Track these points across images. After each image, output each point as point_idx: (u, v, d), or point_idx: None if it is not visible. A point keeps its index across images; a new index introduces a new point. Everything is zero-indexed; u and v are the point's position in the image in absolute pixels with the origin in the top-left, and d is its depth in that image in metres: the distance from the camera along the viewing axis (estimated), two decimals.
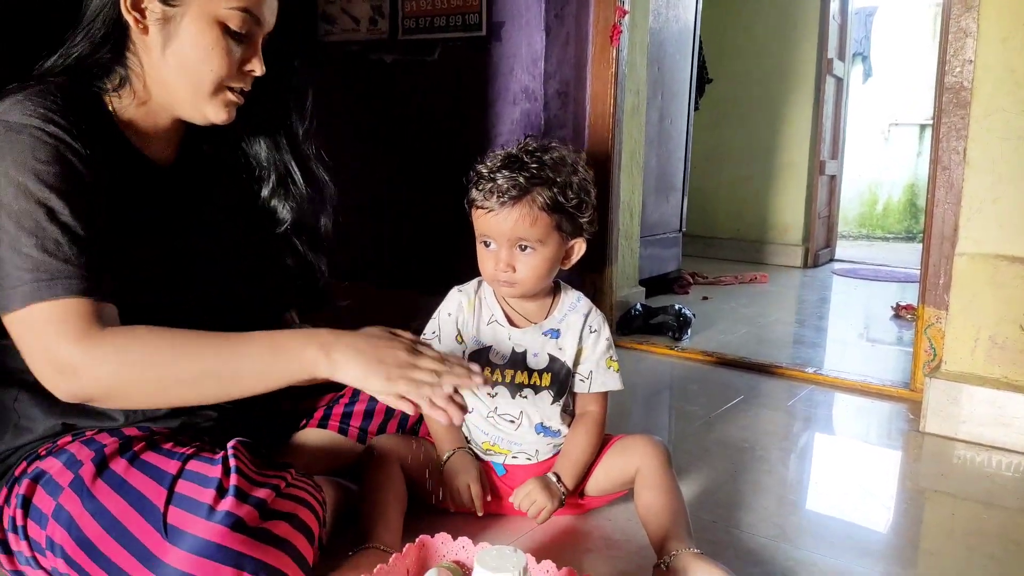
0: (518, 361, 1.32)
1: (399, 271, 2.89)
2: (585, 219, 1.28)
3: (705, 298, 3.72)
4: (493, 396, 1.32)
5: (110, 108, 1.05)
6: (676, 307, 2.96)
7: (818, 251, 4.98)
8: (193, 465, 0.93)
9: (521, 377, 1.31)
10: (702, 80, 4.20)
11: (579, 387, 1.38)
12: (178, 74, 1.02)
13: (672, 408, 2.22)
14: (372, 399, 1.34)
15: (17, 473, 0.99)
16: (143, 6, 1.01)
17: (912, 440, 1.94)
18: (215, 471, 0.90)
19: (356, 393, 1.38)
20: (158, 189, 1.09)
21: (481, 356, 1.34)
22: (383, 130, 2.86)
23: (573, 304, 1.39)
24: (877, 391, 2.29)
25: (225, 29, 1.01)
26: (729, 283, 4.17)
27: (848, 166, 5.69)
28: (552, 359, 1.35)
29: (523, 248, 1.25)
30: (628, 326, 2.91)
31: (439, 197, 2.79)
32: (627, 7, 2.68)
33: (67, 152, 0.92)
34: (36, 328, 0.88)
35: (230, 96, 1.06)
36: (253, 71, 1.06)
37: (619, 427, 1.98)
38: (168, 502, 0.88)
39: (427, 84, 2.74)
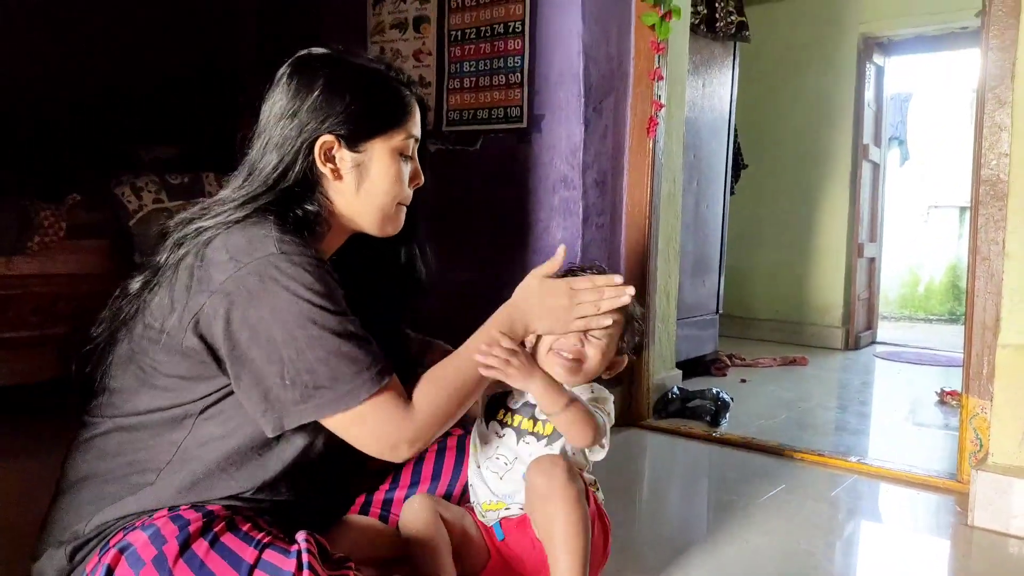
0: (529, 409, 1.35)
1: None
2: (636, 340, 1.38)
3: (743, 381, 3.69)
4: (501, 437, 1.35)
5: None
6: (714, 391, 2.95)
7: (859, 333, 4.93)
8: (268, 555, 0.98)
9: (527, 424, 1.34)
10: (737, 165, 4.27)
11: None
12: (369, 205, 1.17)
13: (711, 497, 2.20)
14: (411, 485, 1.37)
15: (112, 543, 1.03)
16: (335, 157, 1.14)
17: (961, 534, 1.89)
18: (290, 564, 0.95)
19: (396, 480, 1.41)
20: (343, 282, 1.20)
21: (500, 398, 1.38)
22: (426, 215, 2.95)
23: (589, 387, 1.42)
24: (923, 482, 2.24)
25: (401, 156, 1.18)
26: (767, 365, 4.14)
27: (888, 248, 5.67)
28: None
29: (589, 339, 1.31)
30: (664, 410, 2.91)
31: (479, 279, 2.85)
32: (663, 100, 2.77)
33: (325, 272, 1.06)
34: (366, 420, 1.05)
35: (402, 212, 1.23)
36: (419, 183, 1.23)
37: (657, 514, 1.97)
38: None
39: (469, 173, 2.84)
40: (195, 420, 1.08)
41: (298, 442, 1.12)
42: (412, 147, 1.20)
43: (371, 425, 1.05)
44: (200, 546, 0.99)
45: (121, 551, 1.00)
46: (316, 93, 1.13)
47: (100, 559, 1.01)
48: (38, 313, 2.34)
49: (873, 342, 5.15)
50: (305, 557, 0.95)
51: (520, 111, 2.70)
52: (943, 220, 7.29)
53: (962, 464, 2.16)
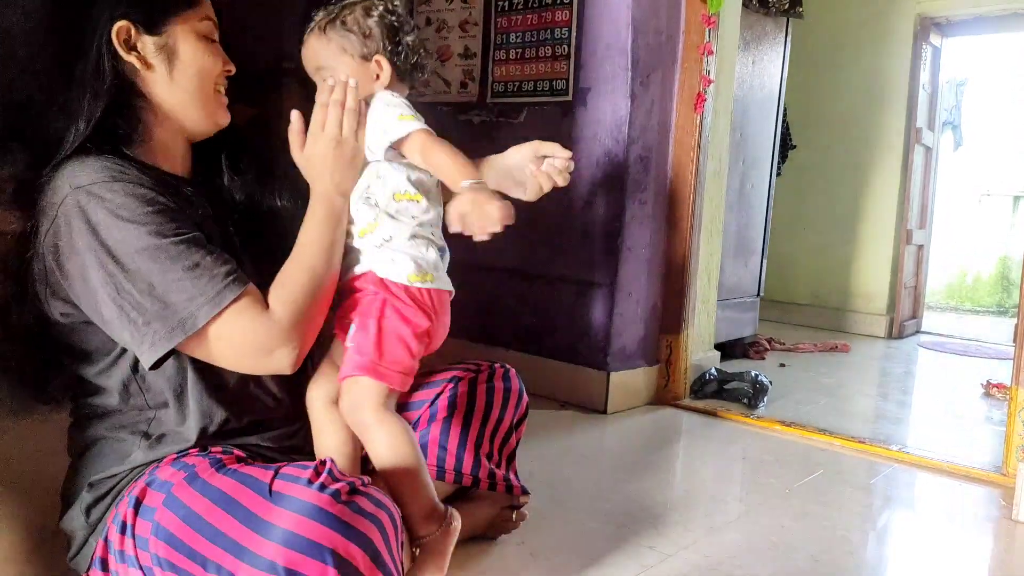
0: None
1: (477, 326, 2.94)
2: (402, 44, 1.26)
3: (782, 365, 3.64)
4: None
5: (132, 153, 1.12)
6: (752, 373, 2.91)
7: (903, 322, 4.83)
8: (295, 460, 1.04)
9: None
10: (785, 146, 4.19)
11: None
12: (190, 89, 1.15)
13: (746, 479, 2.18)
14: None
15: (128, 490, 1.06)
16: (137, 47, 1.11)
17: (1004, 528, 1.85)
18: (311, 463, 0.98)
19: None
20: (198, 197, 1.18)
21: None
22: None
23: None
24: (965, 473, 2.19)
25: (206, 38, 1.17)
26: (808, 350, 4.07)
27: (937, 236, 5.53)
28: None
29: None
30: (701, 390, 2.88)
31: (516, 253, 2.85)
32: (712, 76, 2.72)
33: (139, 187, 1.03)
34: (235, 330, 1.03)
35: (222, 98, 1.21)
36: (230, 70, 1.21)
37: (690, 493, 1.96)
38: (274, 477, 0.96)
39: (512, 145, 2.81)
40: (136, 384, 1.11)
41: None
42: (212, 31, 1.17)
43: (235, 337, 1.03)
44: (234, 465, 1.03)
45: (148, 484, 1.03)
46: None
47: (118, 508, 1.05)
48: None
49: (918, 331, 5.04)
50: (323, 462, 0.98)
51: (566, 84, 2.66)
52: (995, 209, 7.08)
53: (1008, 457, 2.11)
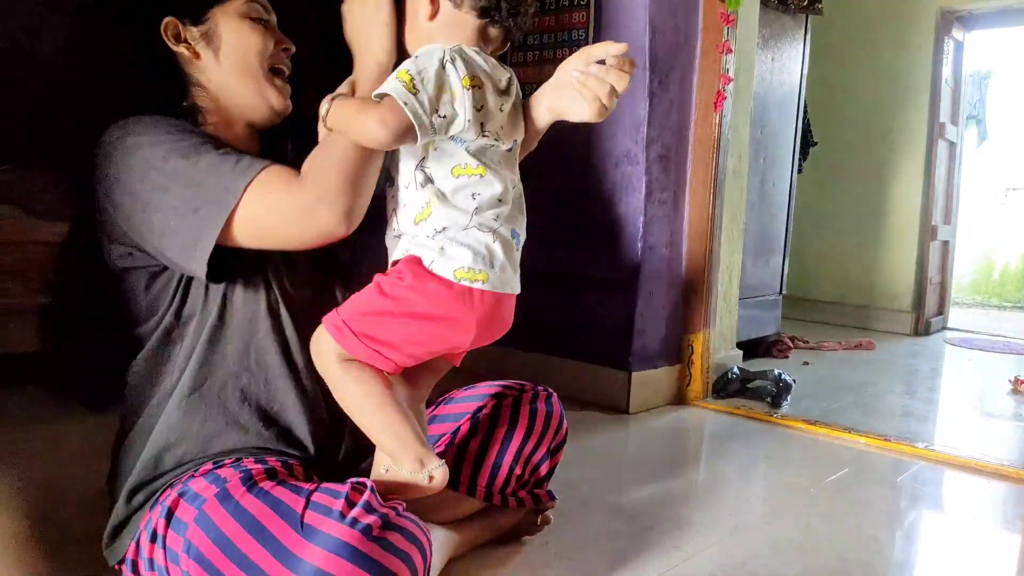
0: None
1: None
2: None
3: (806, 363, 3.61)
4: None
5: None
6: (776, 372, 2.90)
7: (929, 318, 4.78)
8: (327, 485, 1.02)
9: None
10: (806, 143, 4.16)
11: None
12: (236, 70, 1.17)
13: (771, 478, 2.16)
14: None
15: (162, 498, 1.07)
16: (184, 37, 1.16)
17: None
18: (344, 488, 0.98)
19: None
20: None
21: None
22: None
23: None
24: (994, 471, 2.17)
25: (251, 19, 1.17)
26: (832, 349, 4.04)
27: (962, 231, 5.46)
28: None
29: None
30: (724, 389, 2.87)
31: (538, 254, 2.85)
32: (731, 74, 2.71)
33: (175, 126, 1.08)
34: (272, 194, 1.02)
35: (279, 82, 1.21)
36: (287, 47, 1.21)
37: (714, 492, 1.95)
38: (305, 507, 0.96)
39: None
40: (179, 330, 1.13)
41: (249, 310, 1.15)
42: (259, 11, 1.19)
43: (273, 201, 1.02)
44: (265, 483, 1.02)
45: (180, 495, 1.04)
46: None
47: (151, 512, 1.06)
48: None
49: (944, 328, 4.98)
50: (356, 488, 0.98)
51: None
52: (1021, 203, 6.98)
53: None
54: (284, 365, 1.17)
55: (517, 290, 1.12)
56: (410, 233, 1.06)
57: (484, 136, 1.05)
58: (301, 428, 1.18)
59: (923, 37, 4.62)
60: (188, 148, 1.04)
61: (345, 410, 1.11)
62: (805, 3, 3.59)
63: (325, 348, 1.07)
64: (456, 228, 1.04)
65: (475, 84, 1.02)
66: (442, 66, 1.01)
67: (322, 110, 1.06)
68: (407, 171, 1.07)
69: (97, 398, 1.27)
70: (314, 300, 1.19)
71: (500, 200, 1.07)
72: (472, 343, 1.10)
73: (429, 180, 1.05)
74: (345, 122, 1.02)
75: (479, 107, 1.03)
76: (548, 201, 2.82)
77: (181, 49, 1.16)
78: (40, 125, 2.71)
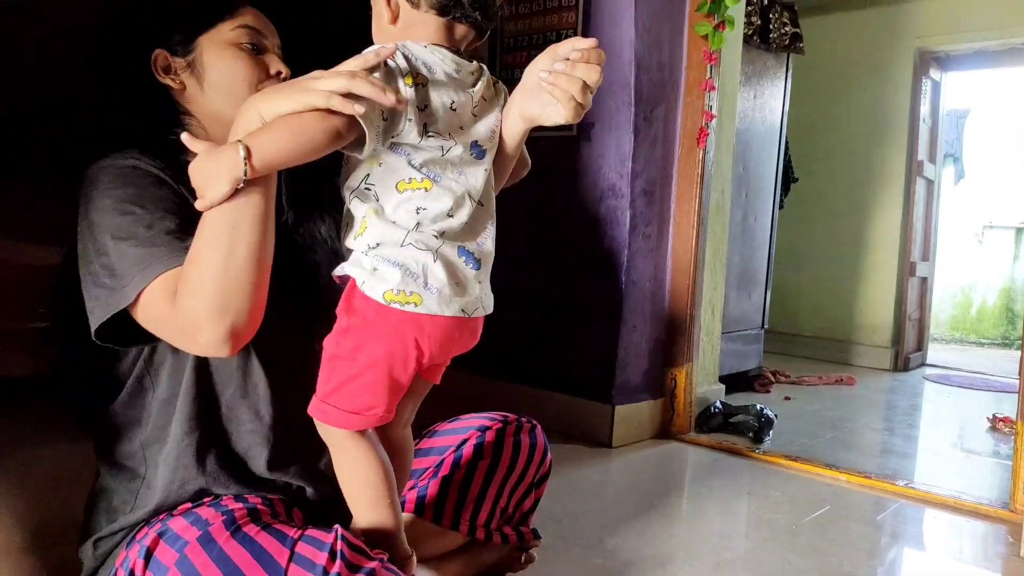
0: None
1: (481, 359, 2.94)
2: None
3: (787, 398, 3.63)
4: None
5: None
6: (757, 407, 2.90)
7: (908, 354, 4.82)
8: (311, 532, 0.99)
9: None
10: (788, 178, 4.22)
11: None
12: (223, 98, 1.14)
13: (752, 515, 2.16)
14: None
15: (138, 536, 1.05)
16: (172, 68, 1.15)
17: (1012, 566, 1.83)
18: (328, 539, 0.96)
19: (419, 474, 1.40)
20: None
21: None
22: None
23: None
24: (972, 509, 2.18)
25: (238, 47, 1.15)
26: (813, 383, 4.06)
27: (940, 268, 5.54)
28: None
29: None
30: (706, 424, 2.87)
31: (522, 285, 2.86)
32: (714, 111, 2.75)
33: (142, 176, 1.05)
34: (152, 315, 0.97)
35: None
36: (280, 72, 1.17)
37: (696, 529, 1.94)
38: (289, 560, 0.94)
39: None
40: (150, 378, 1.10)
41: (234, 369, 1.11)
42: (251, 37, 1.15)
43: (152, 317, 0.97)
44: (249, 528, 1.00)
45: (159, 535, 1.01)
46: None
47: (128, 551, 1.03)
48: None
49: (923, 364, 5.02)
50: (340, 541, 0.95)
51: None
52: (998, 240, 7.09)
53: (1016, 493, 2.09)
54: (255, 416, 1.13)
55: (473, 313, 1.02)
56: (354, 248, 1.00)
57: (428, 136, 0.97)
58: (277, 475, 1.16)
59: (901, 77, 4.72)
60: (123, 224, 1.00)
61: (340, 483, 1.07)
62: (787, 42, 3.66)
63: (330, 432, 1.04)
64: (391, 245, 0.96)
65: (418, 82, 0.96)
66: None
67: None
68: (351, 187, 1.01)
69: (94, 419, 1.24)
70: (292, 349, 1.16)
71: (449, 215, 0.99)
72: (431, 359, 1.03)
73: (372, 196, 0.98)
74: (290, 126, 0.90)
75: (422, 106, 0.97)
76: (532, 233, 2.83)
77: (168, 82, 1.15)
78: (22, 143, 2.70)
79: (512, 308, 2.96)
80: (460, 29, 1.03)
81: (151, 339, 1.03)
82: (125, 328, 1.01)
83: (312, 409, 1.02)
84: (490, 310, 1.06)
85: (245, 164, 0.87)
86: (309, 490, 1.17)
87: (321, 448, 1.12)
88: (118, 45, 1.16)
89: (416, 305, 0.96)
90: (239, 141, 0.88)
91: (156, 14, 1.16)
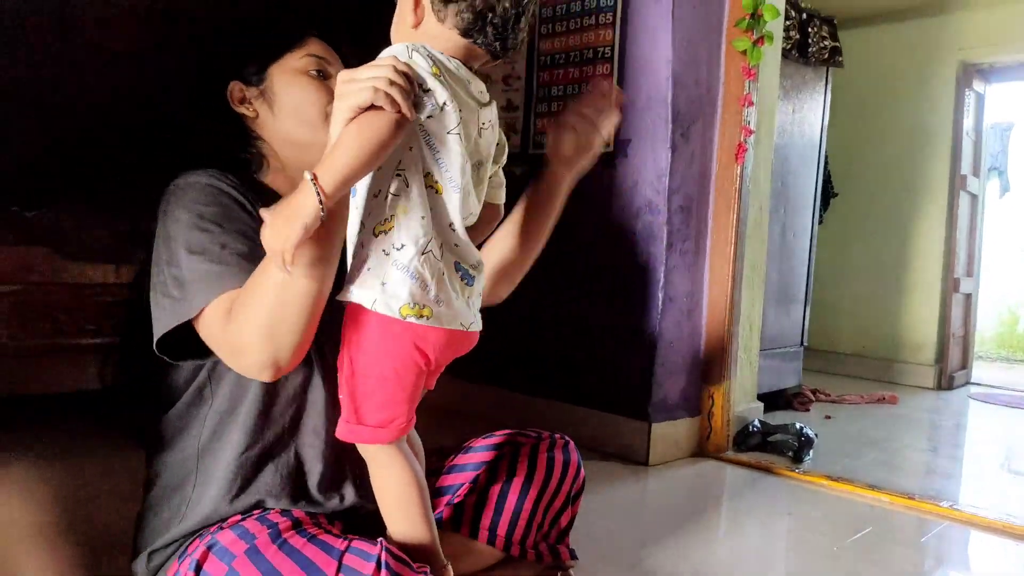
0: None
1: (517, 375, 2.95)
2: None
3: (828, 417, 3.57)
4: None
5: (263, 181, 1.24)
6: (797, 426, 2.86)
7: (953, 372, 4.71)
8: (357, 543, 1.00)
9: None
10: (827, 194, 4.17)
11: None
12: (293, 121, 1.21)
13: (793, 536, 2.13)
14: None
15: (190, 549, 1.07)
16: (246, 98, 1.22)
17: None
18: (375, 550, 0.97)
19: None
20: None
21: None
22: None
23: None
24: (1021, 533, 2.12)
25: (306, 74, 1.22)
26: (854, 402, 3.99)
27: (985, 284, 5.42)
28: None
29: None
30: (744, 443, 2.83)
31: (559, 302, 2.86)
32: (753, 126, 2.73)
33: (224, 196, 1.10)
34: (208, 331, 1.01)
35: None
36: None
37: (735, 550, 1.92)
38: (337, 571, 0.95)
39: None
40: (211, 387, 1.13)
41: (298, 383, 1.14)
42: (318, 64, 1.22)
43: (207, 333, 1.02)
44: (295, 539, 1.01)
45: (208, 548, 1.04)
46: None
47: (180, 564, 1.05)
48: None
49: (968, 382, 4.91)
50: (386, 552, 0.96)
51: None
52: None
53: None
54: (313, 432, 1.16)
55: (469, 327, 1.03)
56: (369, 248, 0.96)
57: (453, 132, 0.97)
58: (331, 491, 1.18)
59: (944, 89, 4.65)
60: (199, 240, 1.04)
61: (376, 496, 1.08)
62: (826, 56, 3.63)
63: (367, 448, 1.05)
64: (412, 249, 0.95)
65: (441, 80, 0.97)
66: (409, 56, 0.95)
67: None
68: (380, 176, 0.97)
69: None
70: None
71: (452, 226, 0.99)
72: (435, 366, 1.03)
73: (404, 187, 0.95)
74: (354, 137, 0.89)
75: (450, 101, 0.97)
76: (569, 250, 2.83)
77: (243, 110, 1.22)
78: (82, 168, 2.79)
79: (549, 325, 2.97)
80: (477, 51, 1.04)
81: (206, 355, 1.07)
82: (187, 341, 1.04)
83: (340, 432, 1.04)
84: (480, 327, 1.06)
85: (317, 192, 0.85)
86: (358, 504, 1.20)
87: (364, 473, 1.14)
88: (198, 78, 1.23)
89: (427, 318, 0.95)
90: (306, 176, 0.86)
91: (232, 48, 1.25)
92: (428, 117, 0.95)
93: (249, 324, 0.95)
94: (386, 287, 0.94)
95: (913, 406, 4.07)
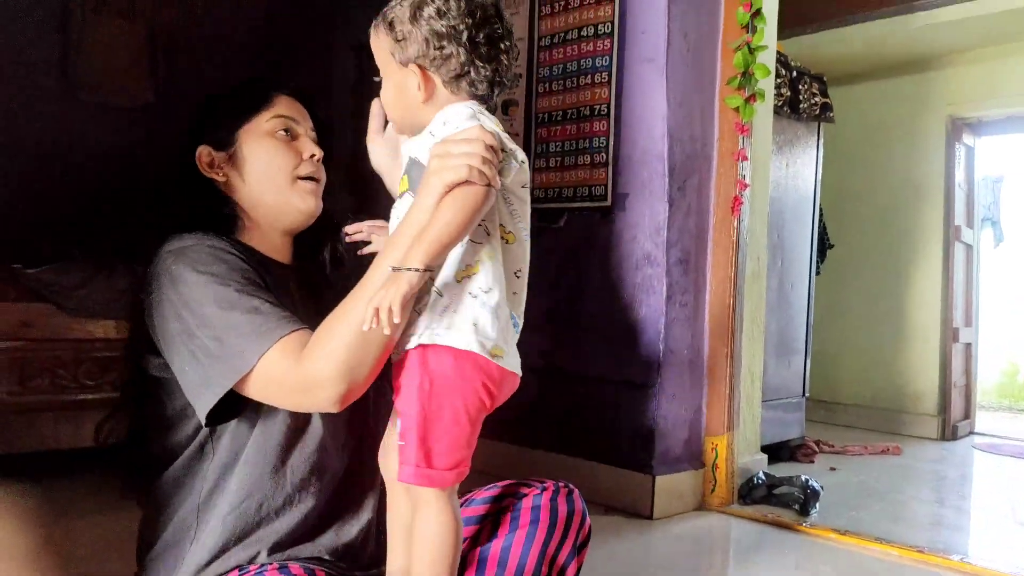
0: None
1: (520, 428, 2.93)
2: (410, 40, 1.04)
3: (833, 468, 3.54)
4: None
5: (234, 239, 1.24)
6: (803, 478, 2.83)
7: (956, 423, 4.68)
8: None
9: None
10: (823, 245, 4.21)
11: None
12: (262, 186, 1.22)
13: None
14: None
15: None
16: (215, 163, 1.23)
17: None
18: None
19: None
20: (287, 280, 1.24)
21: None
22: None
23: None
24: None
25: (273, 136, 1.23)
26: (858, 453, 3.96)
27: (984, 333, 5.42)
28: None
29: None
30: (749, 495, 2.80)
31: (560, 354, 2.86)
32: (748, 180, 2.77)
33: (224, 253, 1.12)
34: (272, 373, 1.02)
35: (306, 185, 1.23)
36: (314, 155, 1.25)
37: None
38: None
39: (553, 249, 2.88)
40: (212, 442, 1.12)
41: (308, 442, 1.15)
42: (284, 124, 1.23)
43: (272, 376, 1.02)
44: None
45: None
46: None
47: None
48: None
49: (971, 432, 4.88)
50: None
51: (604, 189, 2.74)
52: None
53: None
54: (316, 484, 1.16)
55: (518, 372, 1.07)
56: (454, 290, 0.99)
57: (527, 188, 1.04)
58: (329, 543, 1.17)
59: (934, 143, 4.73)
60: (226, 296, 1.06)
61: (414, 540, 1.06)
62: (817, 111, 3.70)
63: (422, 493, 1.03)
64: (498, 291, 0.99)
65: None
66: (475, 118, 1.00)
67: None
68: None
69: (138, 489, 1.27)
70: (349, 416, 1.20)
71: (517, 274, 1.04)
72: (495, 405, 1.06)
73: (483, 231, 0.99)
74: (453, 211, 0.94)
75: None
76: (569, 302, 2.85)
77: (212, 175, 1.23)
78: (82, 228, 2.82)
79: (552, 377, 2.96)
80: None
81: (236, 414, 1.08)
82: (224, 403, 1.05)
83: (405, 476, 1.02)
84: (519, 372, 1.08)
85: (420, 274, 0.91)
86: (355, 547, 1.19)
87: (358, 516, 1.16)
88: (176, 142, 1.24)
89: (501, 359, 1.00)
90: (410, 269, 0.91)
91: (201, 114, 1.26)
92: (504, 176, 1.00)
93: (330, 363, 0.99)
94: (478, 327, 0.97)
95: (917, 457, 4.03)
